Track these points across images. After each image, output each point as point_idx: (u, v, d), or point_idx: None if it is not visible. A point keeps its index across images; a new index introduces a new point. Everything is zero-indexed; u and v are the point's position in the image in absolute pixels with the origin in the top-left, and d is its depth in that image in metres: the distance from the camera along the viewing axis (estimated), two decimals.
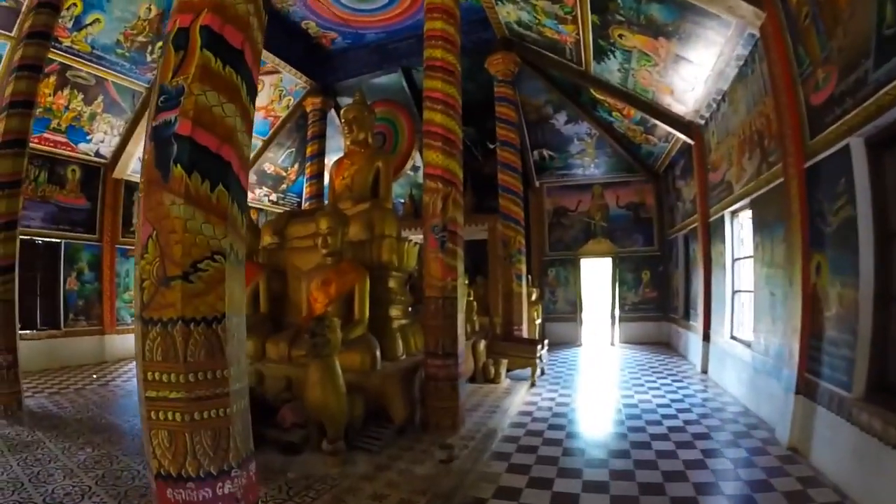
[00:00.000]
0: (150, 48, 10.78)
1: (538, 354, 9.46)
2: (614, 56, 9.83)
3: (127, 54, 10.64)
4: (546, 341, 10.58)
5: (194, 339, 2.42)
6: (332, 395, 4.96)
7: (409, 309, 7.86)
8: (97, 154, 11.88)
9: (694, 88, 9.07)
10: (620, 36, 9.02)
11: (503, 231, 11.90)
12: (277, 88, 14.14)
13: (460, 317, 6.48)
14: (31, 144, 9.81)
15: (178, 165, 2.50)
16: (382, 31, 12.96)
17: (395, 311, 7.20)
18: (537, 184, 16.09)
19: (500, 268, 11.77)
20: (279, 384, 6.19)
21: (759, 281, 7.27)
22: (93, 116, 11.18)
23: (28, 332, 10.16)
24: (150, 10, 10.20)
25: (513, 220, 11.86)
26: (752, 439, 5.88)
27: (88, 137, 11.43)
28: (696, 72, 8.53)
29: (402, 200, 15.77)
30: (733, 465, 5.11)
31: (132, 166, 12.29)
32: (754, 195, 7.43)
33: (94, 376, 9.87)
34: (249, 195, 16.04)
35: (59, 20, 8.90)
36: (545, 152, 15.43)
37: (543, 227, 16.19)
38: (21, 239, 9.72)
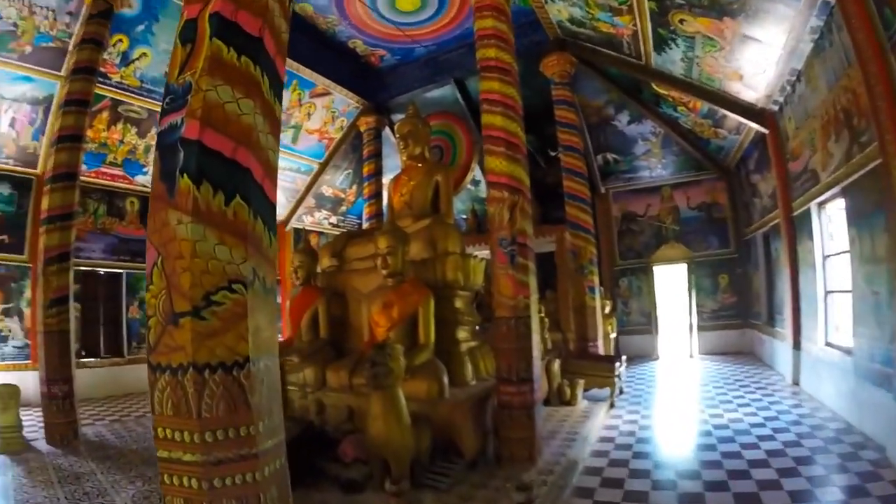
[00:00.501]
0: None
1: (616, 372, 8.71)
2: (676, 45, 9.14)
3: None
4: (624, 357, 9.81)
5: (210, 389, 1.95)
6: (396, 429, 4.49)
7: (477, 329, 7.31)
8: None
9: (765, 71, 8.27)
10: (681, 21, 8.35)
11: (572, 241, 11.20)
12: (330, 110, 14.01)
13: (535, 338, 5.87)
14: (88, 179, 10.30)
15: (185, 175, 2.06)
16: (431, 44, 12.62)
17: (462, 333, 6.65)
18: (603, 190, 15.26)
19: (571, 280, 11.08)
20: (340, 414, 5.79)
21: (858, 279, 6.34)
22: (148, 149, 11.24)
23: (92, 359, 10.34)
24: None
25: (582, 228, 11.15)
26: (861, 461, 5.10)
27: (145, 169, 11.50)
28: (765, 52, 7.77)
29: (465, 216, 15.31)
30: (845, 496, 4.39)
31: None
32: (845, 182, 6.51)
33: None
34: (308, 219, 16.15)
35: (107, 56, 9.17)
36: (609, 156, 14.60)
37: (612, 235, 15.30)
38: (83, 270, 10.24)
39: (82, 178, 9.04)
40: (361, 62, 13.40)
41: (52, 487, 5.12)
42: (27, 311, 9.59)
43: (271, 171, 2.34)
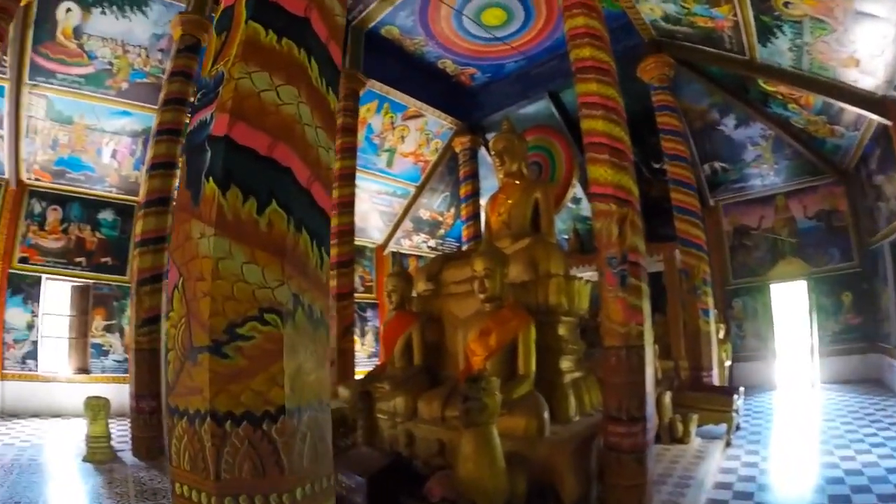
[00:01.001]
0: None
1: (734, 406, 7.73)
2: (782, 32, 8.34)
3: None
4: (742, 389, 8.76)
5: (231, 444, 1.53)
6: (488, 472, 4.05)
7: (582, 358, 6.68)
8: None
9: (883, 52, 7.34)
10: (786, 4, 7.62)
11: (683, 260, 10.29)
12: (424, 132, 13.88)
13: (649, 371, 5.16)
14: None
15: (211, 179, 1.69)
16: (522, 58, 12.20)
17: (565, 363, 6.04)
18: (712, 202, 14.02)
19: (682, 303, 10.17)
20: (431, 448, 5.40)
21: None
22: None
23: None
24: None
25: (693, 245, 10.17)
26: None
27: None
28: (883, 30, 6.89)
29: (566, 236, 14.62)
30: None
31: None
32: None
33: None
34: (406, 242, 16.12)
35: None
36: (717, 165, 13.47)
37: (724, 252, 13.98)
38: None
39: None
40: (452, 82, 13.19)
41: (128, 500, 5.13)
42: (127, 328, 10.04)
43: (322, 173, 1.94)
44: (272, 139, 1.75)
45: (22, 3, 7.73)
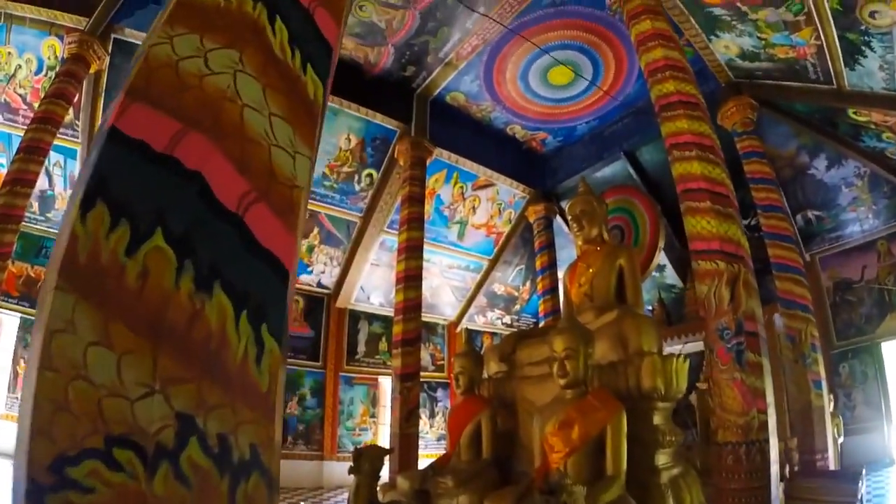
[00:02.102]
0: (356, 177, 10.85)
1: (858, 495, 6.45)
2: (870, 49, 7.61)
3: (335, 185, 10.76)
4: (864, 472, 7.31)
5: None
6: None
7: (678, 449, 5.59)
8: (319, 284, 12.03)
9: None
10: (872, 14, 6.95)
11: (787, 323, 9.20)
12: (495, 202, 13.26)
13: (774, 471, 4.09)
14: None
15: (79, 201, 0.95)
16: (593, 118, 11.59)
17: (662, 458, 4.94)
18: (807, 257, 12.62)
19: (790, 374, 9.12)
20: None
21: None
22: (311, 249, 11.34)
23: None
24: (349, 140, 10.34)
25: (798, 306, 9.18)
26: None
27: (309, 269, 11.59)
28: None
29: (650, 307, 13.49)
30: None
31: (355, 295, 12.30)
32: None
33: (302, 503, 9.41)
34: (480, 319, 15.38)
35: None
36: (810, 214, 12.22)
37: (825, 311, 12.32)
38: None
39: None
40: (523, 148, 12.67)
41: None
42: None
43: (276, 190, 1.18)
44: (182, 126, 1.03)
45: (91, 71, 7.88)
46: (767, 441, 4.10)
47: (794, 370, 9.05)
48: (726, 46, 9.08)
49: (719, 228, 4.43)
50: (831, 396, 10.07)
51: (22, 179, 7.24)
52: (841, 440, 9.99)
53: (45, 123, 7.38)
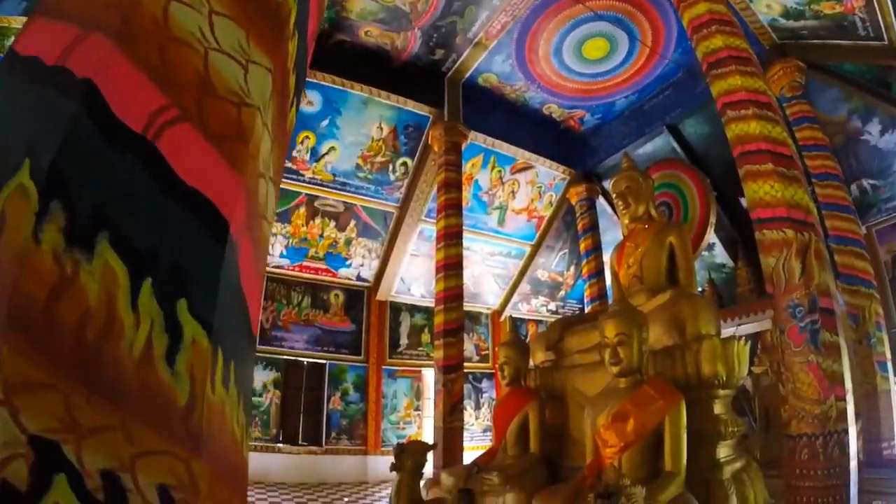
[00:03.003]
0: (391, 167, 10.81)
1: None
2: None
3: (369, 176, 10.75)
4: None
5: None
6: None
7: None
8: (359, 277, 12.08)
9: None
10: None
11: (848, 301, 8.65)
12: (535, 185, 12.97)
13: (853, 466, 3.69)
14: (292, 273, 11.22)
15: None
16: (632, 92, 11.20)
17: (724, 451, 4.59)
18: (864, 229, 11.98)
19: (852, 356, 8.38)
20: None
21: None
22: (348, 241, 11.41)
23: (287, 445, 10.73)
24: (381, 129, 10.27)
25: (861, 281, 8.75)
26: None
27: (347, 262, 11.65)
28: None
29: (701, 288, 13.00)
30: None
31: (395, 287, 12.32)
32: None
33: (346, 499, 9.32)
34: (524, 307, 15.12)
35: (296, 154, 9.60)
36: (865, 183, 11.54)
37: (885, 287, 11.79)
38: (286, 359, 11.11)
39: (285, 271, 11.03)
40: (561, 128, 12.28)
41: None
42: None
43: (215, 105, 0.90)
44: (80, 31, 0.76)
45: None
46: (847, 432, 3.70)
47: (856, 352, 8.38)
48: (768, 6, 8.71)
49: (785, 193, 4.03)
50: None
51: None
52: None
53: None
